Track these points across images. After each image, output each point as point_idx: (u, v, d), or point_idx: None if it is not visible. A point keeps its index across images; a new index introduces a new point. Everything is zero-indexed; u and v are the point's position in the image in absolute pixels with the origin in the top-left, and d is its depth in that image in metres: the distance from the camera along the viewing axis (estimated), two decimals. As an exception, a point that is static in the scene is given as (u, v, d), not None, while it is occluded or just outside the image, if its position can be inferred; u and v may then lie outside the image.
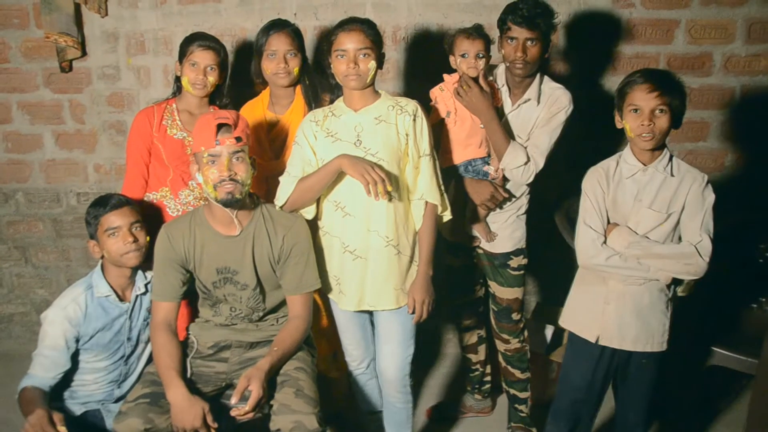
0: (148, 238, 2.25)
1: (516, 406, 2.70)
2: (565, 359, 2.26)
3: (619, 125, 2.08)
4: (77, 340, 2.19)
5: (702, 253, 1.97)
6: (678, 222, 2.03)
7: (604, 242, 2.05)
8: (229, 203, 2.07)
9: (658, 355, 2.10)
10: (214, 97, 2.55)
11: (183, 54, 2.46)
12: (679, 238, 2.05)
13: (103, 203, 2.23)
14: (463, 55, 2.30)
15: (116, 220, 2.20)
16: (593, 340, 2.12)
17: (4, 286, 3.43)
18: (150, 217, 2.42)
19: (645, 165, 2.04)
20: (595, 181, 2.10)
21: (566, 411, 2.22)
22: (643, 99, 1.96)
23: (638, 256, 2.01)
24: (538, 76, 2.39)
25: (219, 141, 2.02)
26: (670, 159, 2.03)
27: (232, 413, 1.99)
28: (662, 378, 2.17)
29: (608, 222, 2.09)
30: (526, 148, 2.35)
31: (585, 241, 2.08)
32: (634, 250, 2.01)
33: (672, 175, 2.02)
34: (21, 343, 3.45)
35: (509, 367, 2.66)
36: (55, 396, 2.19)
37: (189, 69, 2.44)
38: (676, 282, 2.08)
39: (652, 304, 2.07)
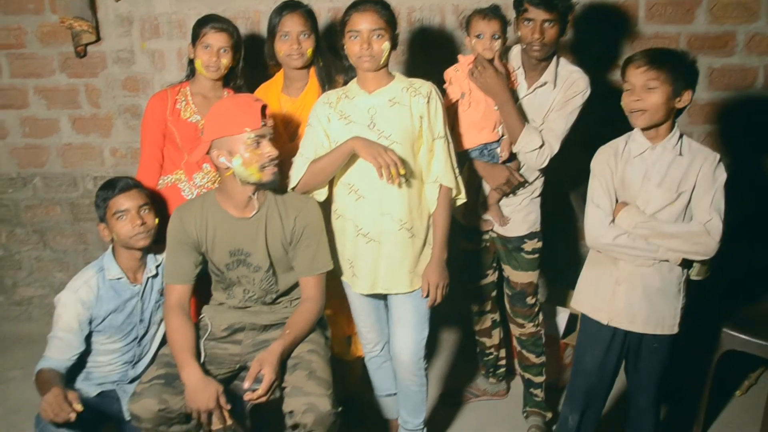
0: (156, 221, 2.26)
1: (531, 390, 2.68)
2: (577, 342, 2.24)
3: None
4: (90, 322, 2.21)
5: (711, 232, 1.92)
6: (689, 202, 1.98)
7: (613, 221, 2.02)
8: (269, 185, 2.09)
9: (670, 339, 2.07)
10: (227, 80, 2.53)
11: (196, 36, 2.44)
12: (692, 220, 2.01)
13: (111, 186, 2.24)
14: (478, 36, 2.27)
15: (124, 202, 2.21)
16: (605, 322, 2.09)
17: (23, 269, 3.48)
18: (162, 201, 2.44)
19: (653, 143, 2.00)
20: (603, 160, 2.08)
21: (580, 394, 2.20)
22: (634, 75, 1.95)
23: (646, 235, 1.97)
24: (554, 58, 2.35)
25: (265, 122, 2.04)
26: (680, 138, 1.99)
27: (245, 397, 2.00)
28: (677, 362, 2.14)
29: (617, 201, 2.06)
30: (541, 131, 2.32)
31: (593, 220, 2.05)
32: (641, 229, 1.98)
33: (681, 154, 1.98)
34: (40, 325, 3.49)
35: (524, 352, 2.65)
36: (70, 378, 2.22)
37: (202, 51, 2.42)
38: (687, 264, 2.03)
39: (663, 286, 2.03)
